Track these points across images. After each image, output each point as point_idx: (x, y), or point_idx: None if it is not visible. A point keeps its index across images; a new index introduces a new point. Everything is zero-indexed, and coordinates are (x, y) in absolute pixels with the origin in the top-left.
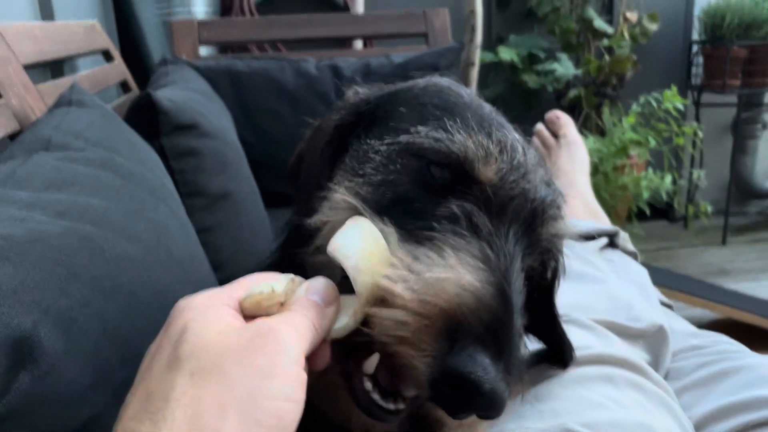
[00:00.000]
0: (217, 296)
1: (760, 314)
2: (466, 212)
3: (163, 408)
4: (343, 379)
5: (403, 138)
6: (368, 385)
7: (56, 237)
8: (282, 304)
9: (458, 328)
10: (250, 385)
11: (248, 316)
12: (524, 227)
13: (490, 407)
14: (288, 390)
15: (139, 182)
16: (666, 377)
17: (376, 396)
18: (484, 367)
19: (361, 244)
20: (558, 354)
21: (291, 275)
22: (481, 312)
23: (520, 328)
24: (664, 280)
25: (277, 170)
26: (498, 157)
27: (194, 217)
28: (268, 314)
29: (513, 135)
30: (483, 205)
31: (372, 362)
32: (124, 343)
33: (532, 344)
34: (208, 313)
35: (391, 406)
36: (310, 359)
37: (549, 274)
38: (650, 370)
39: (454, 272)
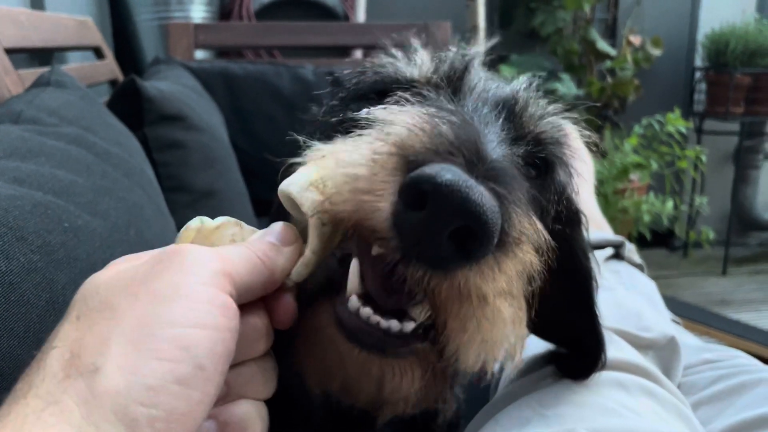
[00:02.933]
0: (145, 253)
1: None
2: (413, 93)
3: (39, 359)
4: (329, 314)
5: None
6: (354, 301)
7: (5, 199)
8: None
9: (416, 155)
10: (143, 313)
11: None
12: (497, 112)
13: (460, 206)
14: (197, 314)
15: (114, 163)
16: None
17: (366, 310)
18: (442, 167)
19: (307, 173)
20: (580, 359)
21: (237, 220)
22: (438, 132)
23: (504, 154)
24: (669, 307)
25: (270, 178)
26: (433, 57)
27: (177, 214)
28: None
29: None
30: (434, 90)
31: (354, 280)
32: None
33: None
34: (120, 263)
35: (394, 325)
36: (271, 310)
37: (575, 193)
38: (664, 378)
39: (397, 117)
